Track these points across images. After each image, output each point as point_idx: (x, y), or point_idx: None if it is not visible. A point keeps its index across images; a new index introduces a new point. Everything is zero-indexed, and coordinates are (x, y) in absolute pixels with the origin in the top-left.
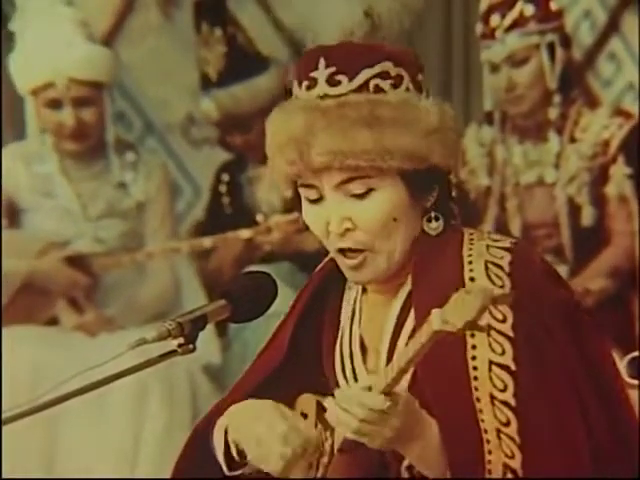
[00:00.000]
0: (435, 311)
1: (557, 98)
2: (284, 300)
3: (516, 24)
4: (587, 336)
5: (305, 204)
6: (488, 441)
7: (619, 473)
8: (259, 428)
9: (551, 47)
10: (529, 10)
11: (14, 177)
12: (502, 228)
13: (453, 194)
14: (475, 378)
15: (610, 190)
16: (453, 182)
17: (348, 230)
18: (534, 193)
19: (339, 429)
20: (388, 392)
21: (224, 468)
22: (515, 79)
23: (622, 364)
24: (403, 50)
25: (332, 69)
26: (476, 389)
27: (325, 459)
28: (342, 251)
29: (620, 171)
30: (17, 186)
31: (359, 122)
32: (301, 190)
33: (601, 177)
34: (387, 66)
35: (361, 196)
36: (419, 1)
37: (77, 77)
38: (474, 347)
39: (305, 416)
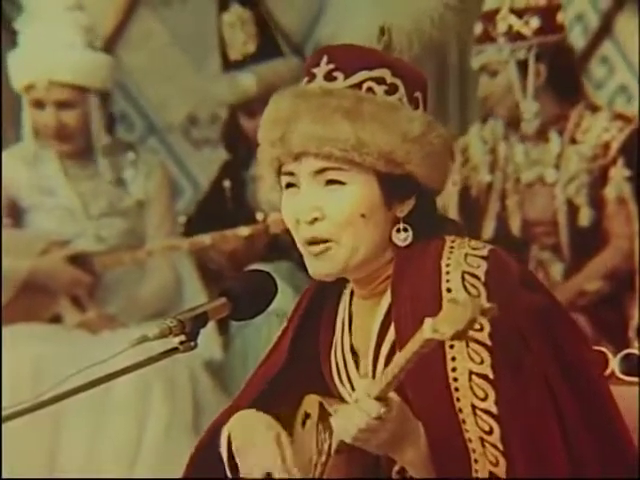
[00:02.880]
0: (427, 320)
1: (529, 114)
2: (284, 298)
3: (488, 35)
4: (563, 338)
5: (284, 196)
6: (474, 450)
7: (603, 474)
8: (254, 450)
9: (524, 63)
10: (502, 27)
11: (16, 177)
12: (503, 224)
13: (438, 212)
14: (456, 389)
15: (609, 192)
16: (436, 200)
17: (316, 219)
18: (534, 191)
19: (339, 437)
20: (382, 398)
21: (228, 473)
22: (489, 88)
23: (615, 361)
24: (407, 65)
25: (331, 66)
26: (458, 400)
27: (323, 458)
28: (310, 243)
29: (620, 173)
30: (19, 186)
31: (340, 111)
32: (282, 178)
33: (601, 179)
34: (384, 73)
35: (334, 187)
36: (430, 25)
37: (56, 80)
38: (454, 359)
39: (308, 416)
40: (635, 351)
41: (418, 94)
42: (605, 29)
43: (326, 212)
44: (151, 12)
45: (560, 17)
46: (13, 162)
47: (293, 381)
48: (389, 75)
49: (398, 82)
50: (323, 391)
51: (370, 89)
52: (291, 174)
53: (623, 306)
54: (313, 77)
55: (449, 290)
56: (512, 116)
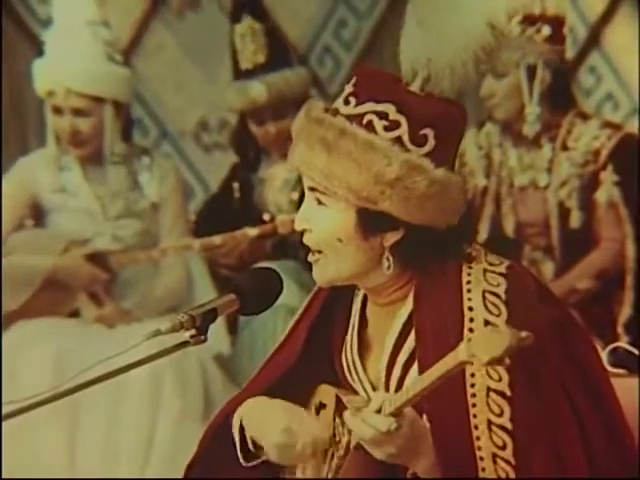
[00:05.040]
0: (463, 343)
1: (532, 116)
2: (289, 295)
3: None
4: (579, 348)
5: None
6: (484, 469)
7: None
8: (274, 428)
9: (533, 68)
10: (516, 31)
11: (39, 180)
12: (497, 225)
13: (439, 243)
14: (474, 405)
15: (600, 196)
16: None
17: (305, 230)
18: (527, 194)
19: (354, 438)
20: (397, 413)
21: (241, 459)
22: (493, 88)
23: (604, 354)
24: (420, 102)
25: (351, 89)
26: (474, 416)
27: (341, 452)
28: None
29: (610, 178)
30: (42, 188)
31: (322, 142)
32: None
33: (591, 184)
34: (389, 108)
35: (321, 207)
36: (469, 71)
37: (74, 89)
38: (472, 375)
39: (324, 406)
40: (622, 344)
41: (427, 131)
42: (593, 41)
43: (313, 227)
44: (164, 25)
45: (565, 30)
46: (36, 165)
47: (306, 374)
48: (393, 111)
49: (402, 119)
50: (336, 385)
51: (370, 122)
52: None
53: (612, 304)
54: (341, 94)
55: (470, 309)
56: (510, 119)
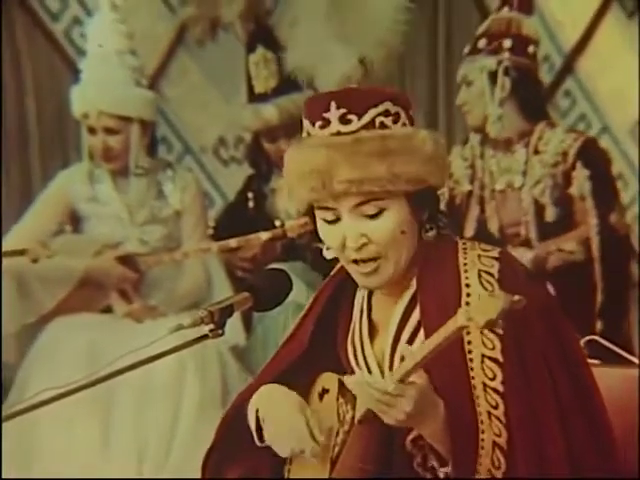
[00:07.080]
0: (461, 309)
1: (493, 117)
2: (298, 292)
3: (471, 51)
4: (561, 326)
5: (321, 223)
6: (482, 422)
7: (587, 442)
8: (281, 420)
9: (494, 75)
10: (481, 44)
11: (76, 191)
12: (483, 226)
13: (442, 209)
14: (471, 369)
15: (574, 190)
16: (442, 199)
17: (364, 245)
18: (506, 196)
19: (361, 404)
20: (405, 379)
21: (256, 439)
22: (465, 96)
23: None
24: (397, 92)
25: (343, 110)
26: (472, 378)
27: (346, 427)
28: (356, 261)
29: (581, 174)
30: (78, 199)
31: (373, 154)
32: (318, 212)
33: (563, 181)
34: (388, 105)
35: (373, 216)
36: (400, 48)
37: (105, 111)
38: (469, 343)
39: (327, 391)
40: (596, 337)
41: (411, 112)
42: (568, 68)
43: (371, 237)
44: (188, 53)
45: (531, 49)
46: (73, 178)
47: (312, 363)
48: (391, 106)
49: (399, 110)
50: (339, 372)
51: (382, 123)
52: (329, 209)
53: (589, 285)
54: (327, 122)
55: (467, 285)
56: (481, 125)
